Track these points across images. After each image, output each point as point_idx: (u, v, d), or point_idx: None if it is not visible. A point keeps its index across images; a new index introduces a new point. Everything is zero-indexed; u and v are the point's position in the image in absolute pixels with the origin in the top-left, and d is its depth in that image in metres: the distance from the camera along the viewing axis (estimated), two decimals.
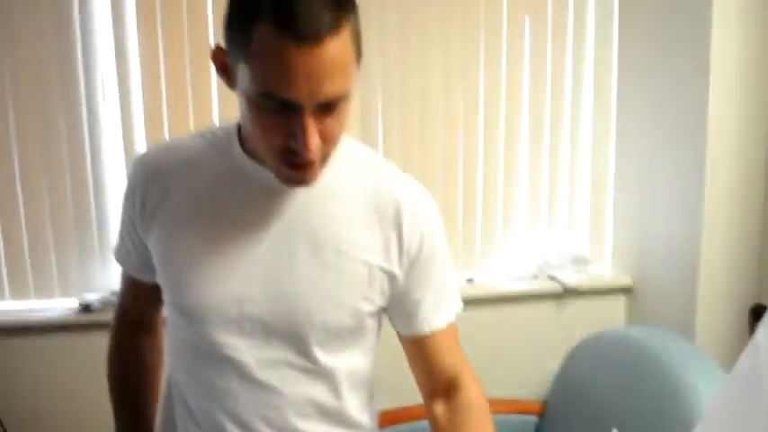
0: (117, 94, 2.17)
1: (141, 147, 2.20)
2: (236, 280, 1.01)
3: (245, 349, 1.03)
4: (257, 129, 0.90)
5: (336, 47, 0.82)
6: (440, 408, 1.12)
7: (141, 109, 2.18)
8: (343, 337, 1.06)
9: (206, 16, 2.16)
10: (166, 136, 2.19)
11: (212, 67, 2.16)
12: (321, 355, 1.05)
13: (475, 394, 1.12)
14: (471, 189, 2.47)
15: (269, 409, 1.05)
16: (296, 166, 0.91)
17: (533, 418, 2.28)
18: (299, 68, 0.81)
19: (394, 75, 2.32)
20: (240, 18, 0.85)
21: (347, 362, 1.09)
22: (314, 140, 0.87)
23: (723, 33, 2.02)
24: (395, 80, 2.32)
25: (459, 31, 2.36)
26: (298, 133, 0.86)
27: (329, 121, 0.88)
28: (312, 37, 0.80)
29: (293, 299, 1.01)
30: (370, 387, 1.18)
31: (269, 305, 1.01)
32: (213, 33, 2.17)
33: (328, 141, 0.90)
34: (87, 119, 2.15)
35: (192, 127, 2.19)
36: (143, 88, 2.17)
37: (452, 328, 1.14)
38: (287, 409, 1.06)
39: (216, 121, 2.20)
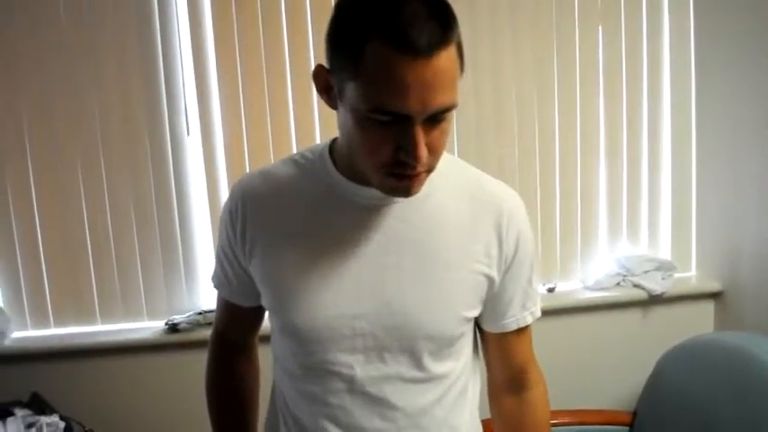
0: (199, 128, 2.26)
1: (222, 176, 2.29)
2: (345, 298, 1.02)
3: (356, 365, 1.04)
4: (364, 143, 0.91)
5: (446, 60, 0.84)
6: (511, 400, 1.19)
7: (222, 141, 2.27)
8: (452, 344, 1.07)
9: (283, 53, 2.24)
10: (247, 166, 2.28)
11: (290, 100, 2.24)
12: (432, 364, 1.06)
13: (541, 393, 1.21)
14: (549, 195, 2.45)
15: (382, 422, 1.06)
16: (401, 177, 0.92)
17: (624, 429, 2.20)
18: (412, 81, 0.83)
19: (466, 86, 2.32)
20: (349, 37, 0.87)
21: (455, 366, 1.10)
22: (423, 151, 0.88)
23: None
24: (467, 93, 2.33)
25: (531, 43, 2.36)
26: (408, 145, 0.88)
27: (436, 133, 0.90)
28: (425, 50, 0.82)
29: (403, 311, 1.02)
30: (477, 389, 1.20)
31: (379, 320, 1.02)
32: (290, 69, 2.25)
33: (434, 152, 0.92)
34: (172, 151, 2.25)
35: (271, 156, 2.27)
36: (224, 122, 2.27)
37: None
38: (400, 420, 1.07)
39: (294, 150, 2.26)
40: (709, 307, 2.48)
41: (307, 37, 2.24)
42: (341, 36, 0.89)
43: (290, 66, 2.25)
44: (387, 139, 0.88)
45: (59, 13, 2.13)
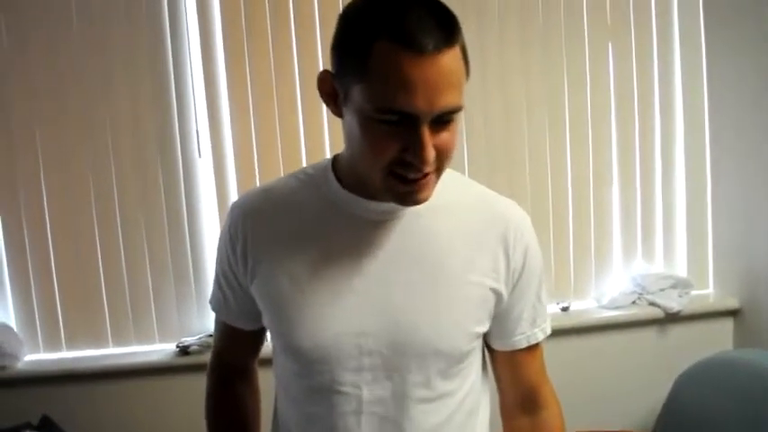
0: (211, 150, 2.27)
1: (234, 197, 2.28)
2: (350, 316, 1.00)
3: (363, 384, 1.01)
4: (369, 145, 0.90)
5: (452, 59, 0.86)
6: (524, 421, 1.16)
7: (233, 163, 2.28)
8: (461, 360, 1.05)
9: (293, 74, 2.25)
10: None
11: (300, 122, 2.23)
12: (441, 382, 1.04)
13: (556, 413, 1.17)
14: (562, 213, 2.43)
15: None
16: (409, 182, 0.91)
17: None
18: (418, 80, 0.84)
19: (476, 105, 2.32)
20: (357, 39, 0.88)
21: (463, 385, 1.08)
22: (430, 152, 0.88)
23: None
24: (477, 111, 2.33)
25: (540, 60, 2.36)
26: (414, 146, 0.87)
27: (443, 135, 0.90)
28: (431, 48, 0.84)
29: (411, 328, 1.00)
30: (487, 407, 1.18)
31: (386, 337, 0.99)
32: (300, 90, 2.26)
33: (442, 155, 0.91)
34: (183, 174, 2.26)
35: None
36: (234, 144, 2.27)
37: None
38: None
39: None
40: (727, 324, 2.43)
41: (316, 59, 2.25)
42: (348, 39, 0.90)
43: (300, 87, 2.26)
44: (393, 140, 0.88)
45: (72, 38, 2.15)
